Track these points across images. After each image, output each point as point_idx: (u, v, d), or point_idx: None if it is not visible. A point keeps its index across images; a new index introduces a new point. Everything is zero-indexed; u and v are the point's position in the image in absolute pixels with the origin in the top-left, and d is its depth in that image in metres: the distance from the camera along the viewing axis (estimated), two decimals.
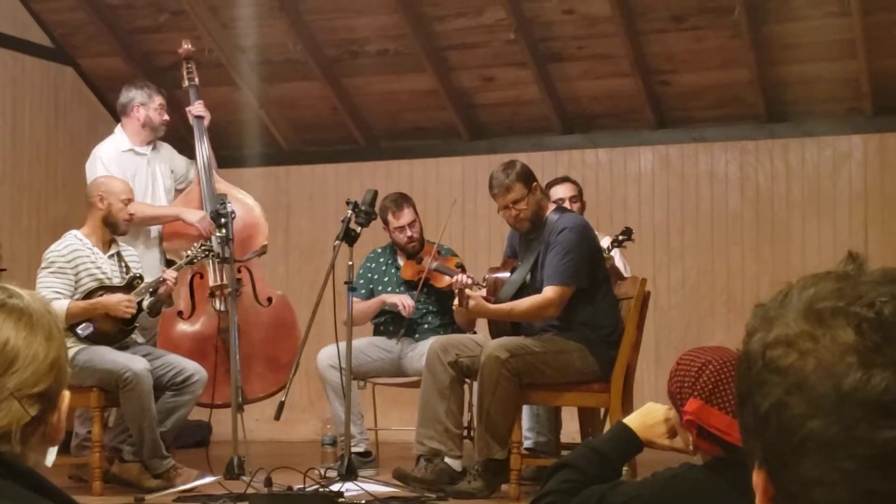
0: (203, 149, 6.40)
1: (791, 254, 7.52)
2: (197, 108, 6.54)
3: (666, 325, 7.72)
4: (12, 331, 1.48)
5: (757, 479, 0.96)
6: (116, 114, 6.51)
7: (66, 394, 1.55)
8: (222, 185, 6.43)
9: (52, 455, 1.59)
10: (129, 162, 6.15)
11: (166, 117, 6.34)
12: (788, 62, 7.39)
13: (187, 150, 6.59)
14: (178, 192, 6.43)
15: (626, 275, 6.06)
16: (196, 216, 6.16)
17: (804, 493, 0.91)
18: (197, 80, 6.66)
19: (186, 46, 6.72)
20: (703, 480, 2.37)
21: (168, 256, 6.22)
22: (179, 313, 6.15)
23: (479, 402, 5.20)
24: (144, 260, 5.96)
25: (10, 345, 1.47)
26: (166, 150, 6.43)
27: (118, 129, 6.32)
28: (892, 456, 0.88)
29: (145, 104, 6.25)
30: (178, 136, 6.63)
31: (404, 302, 6.14)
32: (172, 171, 6.39)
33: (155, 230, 6.21)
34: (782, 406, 0.92)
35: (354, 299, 5.86)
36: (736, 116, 7.82)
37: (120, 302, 5.47)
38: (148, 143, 6.28)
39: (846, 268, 0.97)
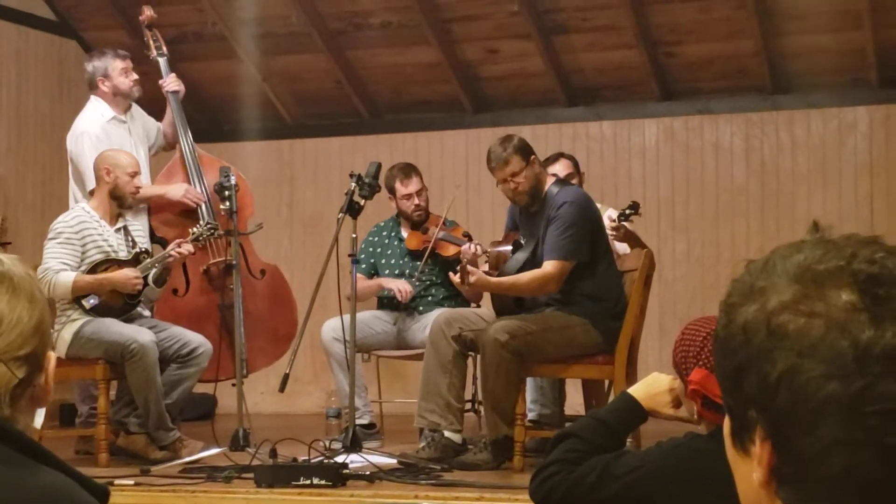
0: (183, 125, 6.27)
1: (796, 225, 7.50)
2: (170, 83, 6.34)
3: (670, 298, 7.72)
4: None
5: (761, 450, 0.95)
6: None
7: (52, 355, 1.56)
8: (206, 158, 6.39)
9: (40, 417, 1.60)
10: (115, 131, 6.05)
11: (134, 77, 6.12)
12: (794, 33, 7.36)
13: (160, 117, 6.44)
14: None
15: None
16: (179, 191, 6.12)
17: (819, 457, 0.91)
18: (165, 48, 6.43)
19: (149, 13, 6.45)
20: (707, 450, 2.37)
21: (159, 234, 6.20)
22: (174, 291, 6.13)
23: (483, 383, 5.22)
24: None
25: None
26: (139, 113, 6.29)
27: (94, 99, 6.11)
28: None
29: (107, 75, 6.07)
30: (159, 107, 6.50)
31: (401, 288, 6.12)
32: (147, 137, 6.30)
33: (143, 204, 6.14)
34: (795, 370, 0.92)
35: (358, 273, 5.86)
36: (741, 88, 7.79)
37: (128, 278, 5.47)
38: (126, 110, 6.17)
39: (814, 236, 0.98)
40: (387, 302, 6.30)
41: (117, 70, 6.09)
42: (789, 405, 0.92)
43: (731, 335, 0.97)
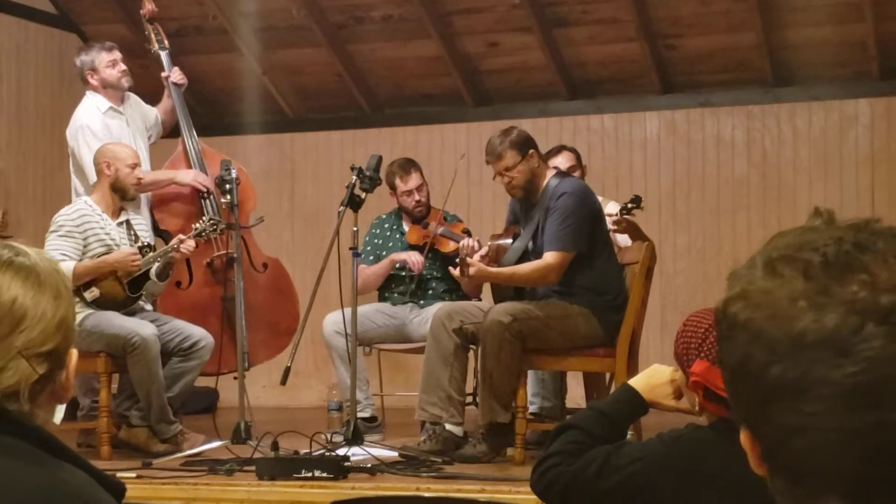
0: (185, 118, 6.31)
1: (797, 218, 7.45)
2: (176, 76, 6.38)
3: (672, 291, 7.72)
4: (20, 289, 1.47)
5: (744, 438, 0.98)
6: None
7: (74, 352, 1.55)
8: (207, 152, 6.40)
9: (59, 413, 1.59)
10: (113, 123, 6.06)
11: (122, 68, 6.11)
12: (795, 25, 7.35)
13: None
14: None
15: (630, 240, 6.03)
16: (189, 176, 6.17)
17: (784, 443, 0.93)
18: (167, 42, 6.47)
19: (149, 6, 6.49)
20: (708, 441, 2.37)
21: (162, 227, 6.20)
22: (178, 284, 6.14)
23: (482, 366, 5.20)
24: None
25: (17, 303, 1.47)
26: (136, 102, 6.30)
27: (89, 92, 6.13)
28: (854, 392, 0.89)
29: (94, 69, 6.08)
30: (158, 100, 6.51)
31: (413, 258, 6.13)
32: (146, 127, 6.32)
33: (143, 198, 6.13)
34: (746, 358, 0.94)
35: (362, 265, 5.86)
36: (742, 81, 7.78)
37: (126, 256, 5.47)
38: (122, 101, 6.17)
39: (814, 223, 1.00)
40: (388, 295, 6.31)
41: (104, 63, 6.09)
42: (749, 393, 0.95)
43: (716, 326, 1.01)
